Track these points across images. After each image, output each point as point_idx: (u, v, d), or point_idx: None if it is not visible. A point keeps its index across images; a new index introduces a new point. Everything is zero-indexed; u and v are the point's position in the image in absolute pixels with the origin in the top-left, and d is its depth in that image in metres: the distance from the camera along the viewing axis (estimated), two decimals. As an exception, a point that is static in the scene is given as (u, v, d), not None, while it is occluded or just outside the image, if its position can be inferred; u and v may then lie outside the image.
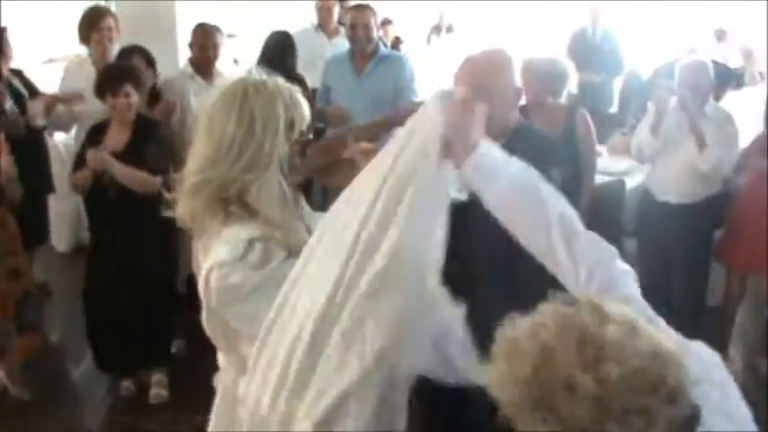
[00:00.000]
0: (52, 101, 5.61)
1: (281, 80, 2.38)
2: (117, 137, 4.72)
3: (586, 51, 8.66)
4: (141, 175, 4.63)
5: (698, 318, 5.31)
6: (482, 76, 2.92)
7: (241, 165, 2.25)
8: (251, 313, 2.20)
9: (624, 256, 1.95)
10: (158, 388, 5.01)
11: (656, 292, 5.26)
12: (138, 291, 4.84)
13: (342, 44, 7.76)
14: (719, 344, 5.41)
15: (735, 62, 8.36)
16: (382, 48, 5.67)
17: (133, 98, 4.70)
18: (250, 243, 2.20)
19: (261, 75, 2.36)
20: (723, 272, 5.47)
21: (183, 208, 2.33)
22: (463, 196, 2.37)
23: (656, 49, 8.85)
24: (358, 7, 5.76)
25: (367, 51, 5.57)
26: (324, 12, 7.73)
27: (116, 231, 4.83)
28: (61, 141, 6.96)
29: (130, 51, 5.43)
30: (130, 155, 4.67)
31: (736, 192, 5.39)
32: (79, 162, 4.81)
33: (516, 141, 2.81)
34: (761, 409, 5.24)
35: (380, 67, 5.56)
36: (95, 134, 4.83)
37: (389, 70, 5.56)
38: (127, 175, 4.63)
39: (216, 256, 2.21)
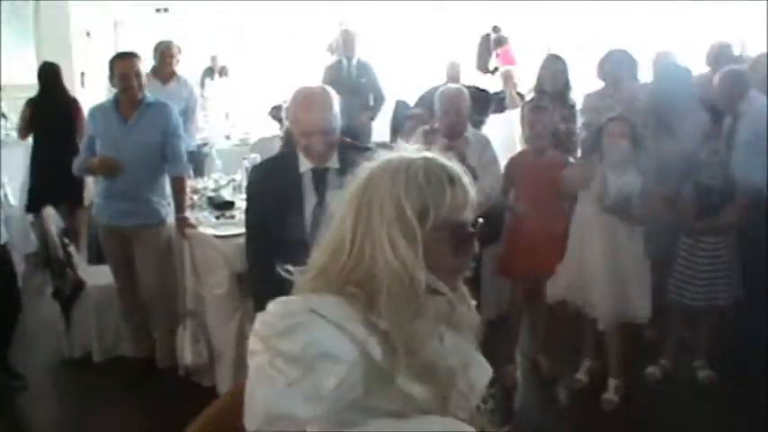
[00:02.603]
0: None
1: (429, 155, 1.85)
2: None
3: (341, 84, 8.71)
4: None
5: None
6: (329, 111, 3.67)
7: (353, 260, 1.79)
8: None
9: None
10: None
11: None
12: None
13: (176, 90, 7.96)
14: (506, 351, 5.70)
15: (496, 86, 8.81)
16: (148, 95, 5.60)
17: None
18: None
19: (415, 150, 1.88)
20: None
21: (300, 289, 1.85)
22: None
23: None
24: (127, 56, 5.65)
25: (137, 99, 5.48)
26: (163, 57, 8.06)
27: None
28: None
29: None
30: None
31: (510, 209, 5.62)
32: None
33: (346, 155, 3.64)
34: (545, 404, 5.58)
35: (147, 114, 5.49)
36: None
37: (156, 117, 5.51)
38: None
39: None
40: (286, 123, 5.33)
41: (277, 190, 3.78)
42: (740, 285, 5.50)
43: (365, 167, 1.83)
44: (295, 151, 3.82)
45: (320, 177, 3.72)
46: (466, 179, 1.82)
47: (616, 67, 6.40)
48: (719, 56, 6.79)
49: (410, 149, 1.86)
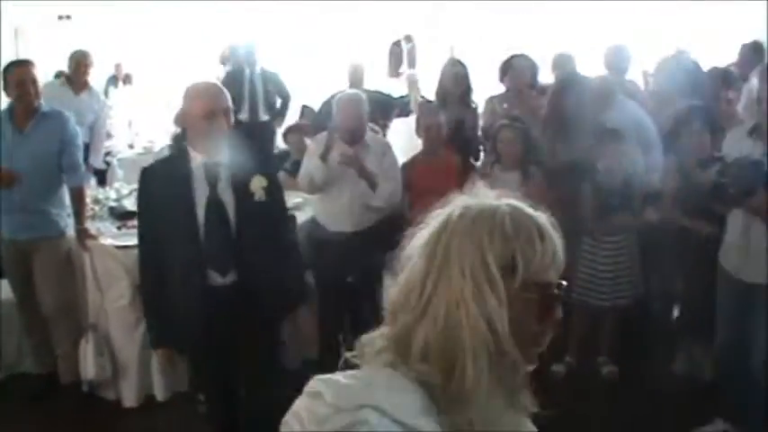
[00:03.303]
0: None
1: (514, 203, 1.54)
2: None
3: (240, 92, 8.69)
4: None
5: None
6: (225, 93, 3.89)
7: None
8: None
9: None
10: None
11: (337, 315, 5.54)
12: None
13: (88, 101, 7.89)
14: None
15: (401, 90, 8.85)
16: (44, 104, 5.48)
17: None
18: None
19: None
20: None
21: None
22: None
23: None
24: (22, 63, 5.53)
25: (33, 107, 5.36)
26: (78, 66, 7.93)
27: None
28: None
29: None
30: None
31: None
32: None
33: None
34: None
35: (43, 123, 5.37)
36: None
37: (52, 126, 5.40)
38: None
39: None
40: (176, 129, 5.29)
41: (166, 190, 3.83)
42: (641, 283, 5.64)
43: (440, 212, 1.55)
44: (184, 149, 3.90)
45: (211, 171, 3.81)
46: (555, 234, 1.53)
47: (517, 71, 6.51)
48: (614, 59, 6.93)
49: (490, 195, 1.56)
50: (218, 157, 3.82)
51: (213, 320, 3.82)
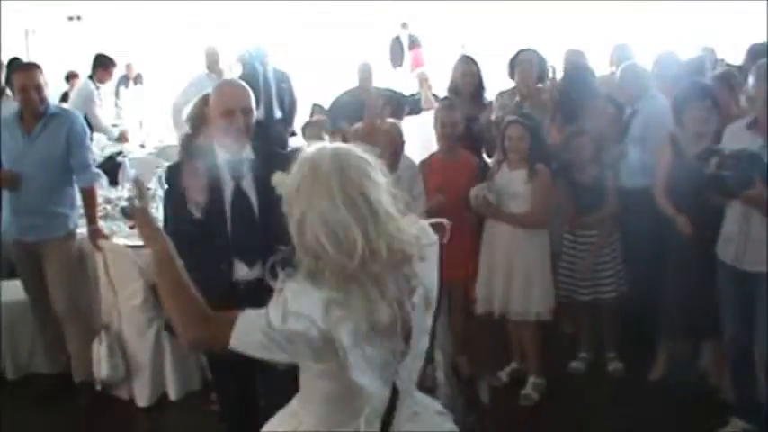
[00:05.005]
0: None
1: None
2: None
3: (256, 92, 8.53)
4: None
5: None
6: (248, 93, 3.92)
7: None
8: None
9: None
10: None
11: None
12: None
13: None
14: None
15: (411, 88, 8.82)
16: (52, 106, 5.46)
17: None
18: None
19: None
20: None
21: None
22: None
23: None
24: (25, 68, 5.49)
25: (38, 112, 5.33)
26: None
27: None
28: None
29: None
30: None
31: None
32: None
33: None
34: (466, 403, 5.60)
35: (50, 125, 5.33)
36: None
37: (60, 128, 5.34)
38: None
39: None
40: (185, 129, 5.21)
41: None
42: (624, 279, 5.60)
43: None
44: (208, 145, 3.87)
45: (235, 167, 3.82)
46: None
47: (524, 65, 6.49)
48: (619, 56, 6.92)
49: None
50: (241, 153, 3.83)
51: None
